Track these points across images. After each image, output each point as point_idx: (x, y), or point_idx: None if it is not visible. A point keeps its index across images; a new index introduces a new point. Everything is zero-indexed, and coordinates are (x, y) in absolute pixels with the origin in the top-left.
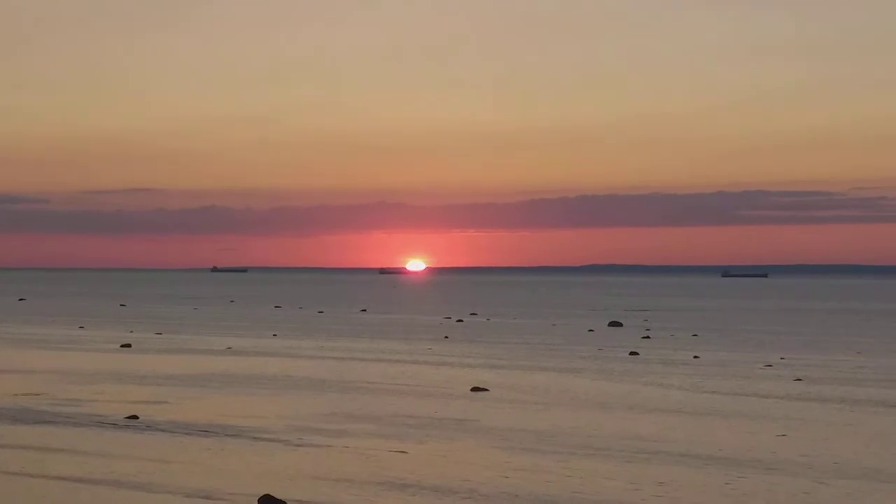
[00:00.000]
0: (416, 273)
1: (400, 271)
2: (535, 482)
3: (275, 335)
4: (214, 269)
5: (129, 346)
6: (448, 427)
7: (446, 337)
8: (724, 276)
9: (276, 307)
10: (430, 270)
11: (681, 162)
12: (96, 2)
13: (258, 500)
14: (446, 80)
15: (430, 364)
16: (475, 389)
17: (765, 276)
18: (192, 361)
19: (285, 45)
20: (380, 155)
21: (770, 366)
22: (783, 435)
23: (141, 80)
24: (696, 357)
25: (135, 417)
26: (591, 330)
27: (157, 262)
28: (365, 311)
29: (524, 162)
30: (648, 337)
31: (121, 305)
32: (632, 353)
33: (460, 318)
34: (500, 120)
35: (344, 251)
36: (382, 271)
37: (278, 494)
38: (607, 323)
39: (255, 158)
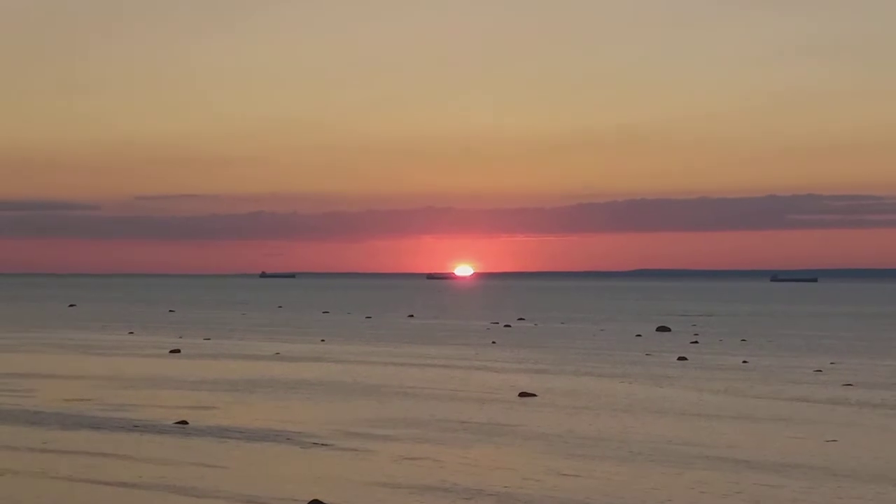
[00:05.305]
0: (463, 278)
1: (448, 276)
2: (582, 487)
3: (323, 340)
4: (263, 275)
5: (178, 351)
6: (496, 432)
7: (494, 342)
8: (773, 280)
9: (325, 312)
10: (477, 275)
11: (731, 165)
12: (147, 5)
13: None
14: (494, 83)
15: (478, 369)
16: (523, 395)
17: (814, 280)
18: (240, 367)
19: (334, 50)
20: (428, 159)
21: (819, 371)
22: (833, 440)
23: (189, 86)
24: (744, 362)
25: (184, 423)
26: (638, 335)
27: (206, 267)
28: (412, 316)
29: (572, 166)
30: (697, 342)
31: (170, 311)
32: (680, 358)
33: (508, 324)
34: (549, 124)
35: (392, 256)
36: (430, 276)
37: (326, 499)
38: (655, 328)
39: (303, 163)
